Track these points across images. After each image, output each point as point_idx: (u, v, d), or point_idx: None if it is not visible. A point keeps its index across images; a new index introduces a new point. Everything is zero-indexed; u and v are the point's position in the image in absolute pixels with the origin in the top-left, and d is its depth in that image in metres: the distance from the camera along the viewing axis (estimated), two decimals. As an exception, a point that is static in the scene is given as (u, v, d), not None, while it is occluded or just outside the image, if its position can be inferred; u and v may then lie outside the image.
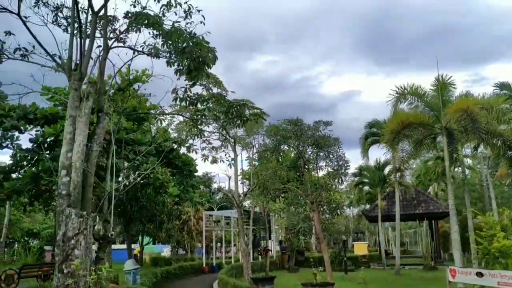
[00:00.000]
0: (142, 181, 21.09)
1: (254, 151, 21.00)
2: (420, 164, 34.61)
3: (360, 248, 35.45)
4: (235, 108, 11.64)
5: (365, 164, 30.46)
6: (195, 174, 17.29)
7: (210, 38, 10.25)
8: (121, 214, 22.83)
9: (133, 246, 47.45)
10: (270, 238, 33.06)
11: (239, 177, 22.21)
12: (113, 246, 45.17)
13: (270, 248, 26.23)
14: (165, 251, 43.57)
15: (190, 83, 11.11)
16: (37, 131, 15.49)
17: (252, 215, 20.32)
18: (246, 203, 32.01)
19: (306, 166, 13.58)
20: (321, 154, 12.98)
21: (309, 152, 13.38)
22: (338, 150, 12.99)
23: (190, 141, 16.83)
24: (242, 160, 35.82)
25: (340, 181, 12.78)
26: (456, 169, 35.72)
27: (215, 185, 57.87)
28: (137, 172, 10.35)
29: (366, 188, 39.13)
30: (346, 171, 12.69)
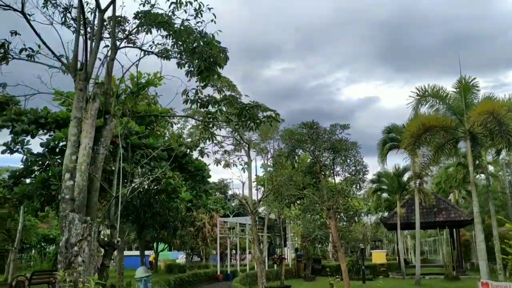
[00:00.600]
0: (155, 187, 20.86)
1: (269, 156, 20.55)
2: (441, 171, 33.64)
3: (378, 257, 34.50)
4: (248, 110, 11.20)
5: (384, 171, 29.70)
6: (209, 179, 16.81)
7: (222, 39, 9.87)
8: (134, 221, 22.57)
9: (148, 252, 47.44)
10: (285, 246, 32.44)
11: (254, 183, 21.78)
12: (127, 253, 45.16)
13: (285, 256, 25.62)
14: (180, 257, 43.22)
15: (202, 84, 10.72)
16: (49, 135, 15.28)
17: (266, 222, 19.79)
18: (261, 210, 31.53)
19: (323, 172, 13.04)
20: (338, 159, 12.43)
21: (325, 157, 12.85)
22: (356, 154, 12.44)
23: (202, 145, 16.54)
24: (256, 166, 35.35)
25: (358, 187, 12.21)
26: (478, 175, 34.67)
27: (230, 192, 57.57)
28: (146, 176, 9.95)
29: (385, 195, 38.23)
30: (364, 176, 12.14)
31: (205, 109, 11.12)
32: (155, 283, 19.00)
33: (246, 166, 16.26)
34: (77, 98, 8.65)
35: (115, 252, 22.54)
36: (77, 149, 8.41)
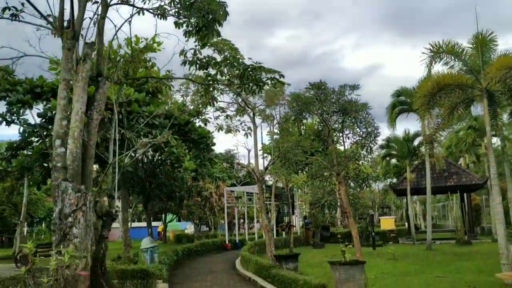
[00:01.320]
0: (159, 157, 20.41)
1: (275, 123, 19.90)
2: (451, 135, 32.86)
3: (387, 223, 34.23)
4: (251, 72, 10.51)
5: (393, 136, 29.04)
6: (213, 148, 16.30)
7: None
8: (140, 192, 22.27)
9: (157, 223, 47.63)
10: (293, 214, 32.19)
11: (260, 152, 21.21)
12: (136, 224, 45.27)
13: (294, 224, 25.32)
14: (188, 228, 43.33)
15: (200, 44, 10.02)
16: (45, 105, 14.73)
17: (273, 190, 19.36)
18: (268, 177, 31.11)
19: (331, 136, 12.40)
20: (348, 121, 11.77)
21: (334, 120, 12.18)
22: (367, 116, 11.74)
23: (203, 110, 15.88)
24: (262, 134, 34.73)
25: (369, 151, 11.59)
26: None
27: (239, 165, 57.32)
28: (143, 141, 9.39)
29: (393, 161, 37.68)
30: (376, 139, 11.48)
31: (204, 71, 10.44)
32: (162, 253, 18.78)
33: (250, 131, 15.63)
34: (65, 59, 8.00)
35: (120, 224, 22.18)
36: (67, 114, 7.83)
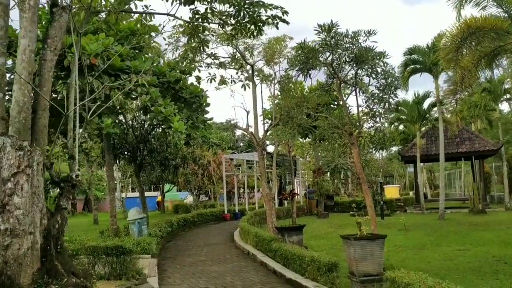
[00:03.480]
0: (150, 120, 18.60)
1: (275, 82, 18.05)
2: (465, 98, 30.90)
3: (392, 192, 32.80)
4: (247, 9, 8.65)
5: (402, 99, 27.12)
6: (207, 110, 14.46)
7: None
8: (132, 159, 20.57)
9: (156, 194, 46.27)
10: (296, 183, 30.68)
11: (260, 117, 19.42)
12: (131, 194, 43.86)
13: (297, 192, 23.77)
14: (188, 197, 42.06)
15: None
16: None
17: (275, 155, 17.65)
18: (268, 143, 29.39)
19: (343, 89, 10.59)
20: (363, 71, 9.93)
21: (347, 70, 10.34)
22: (385, 65, 9.91)
23: (195, 66, 14.03)
24: (262, 92, 32.72)
25: (387, 106, 9.82)
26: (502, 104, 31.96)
27: (238, 133, 55.67)
28: (107, 85, 7.58)
29: (401, 127, 35.95)
30: (396, 91, 9.67)
31: (190, 6, 8.55)
32: (154, 225, 17.32)
33: (248, 82, 13.78)
34: (1, -23, 6.15)
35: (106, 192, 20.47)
36: (4, 49, 6.04)
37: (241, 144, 57.16)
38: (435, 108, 26.39)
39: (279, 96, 16.04)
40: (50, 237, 5.84)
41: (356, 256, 7.78)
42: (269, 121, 20.72)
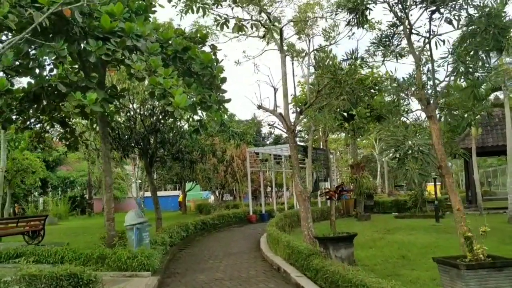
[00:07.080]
0: (160, 106, 15.71)
1: (307, 60, 14.86)
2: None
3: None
4: None
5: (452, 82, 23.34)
6: (223, 87, 11.23)
7: None
8: (143, 153, 17.73)
9: (177, 193, 43.57)
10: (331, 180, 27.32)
11: (290, 102, 16.16)
12: (160, 193, 41.44)
13: (347, 189, 20.27)
14: (210, 197, 39.21)
15: None
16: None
17: (310, 145, 14.38)
18: (301, 128, 25.97)
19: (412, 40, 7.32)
20: (444, 10, 6.69)
21: (417, 14, 7.11)
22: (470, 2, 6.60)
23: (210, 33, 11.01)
24: (293, 66, 29.38)
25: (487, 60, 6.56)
26: None
27: (264, 130, 52.69)
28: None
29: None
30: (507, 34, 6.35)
31: None
32: (164, 230, 14.40)
33: (274, 28, 10.45)
34: None
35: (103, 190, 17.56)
36: None
37: (268, 142, 54.06)
38: (496, 93, 22.57)
39: (315, 73, 12.81)
40: None
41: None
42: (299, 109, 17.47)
